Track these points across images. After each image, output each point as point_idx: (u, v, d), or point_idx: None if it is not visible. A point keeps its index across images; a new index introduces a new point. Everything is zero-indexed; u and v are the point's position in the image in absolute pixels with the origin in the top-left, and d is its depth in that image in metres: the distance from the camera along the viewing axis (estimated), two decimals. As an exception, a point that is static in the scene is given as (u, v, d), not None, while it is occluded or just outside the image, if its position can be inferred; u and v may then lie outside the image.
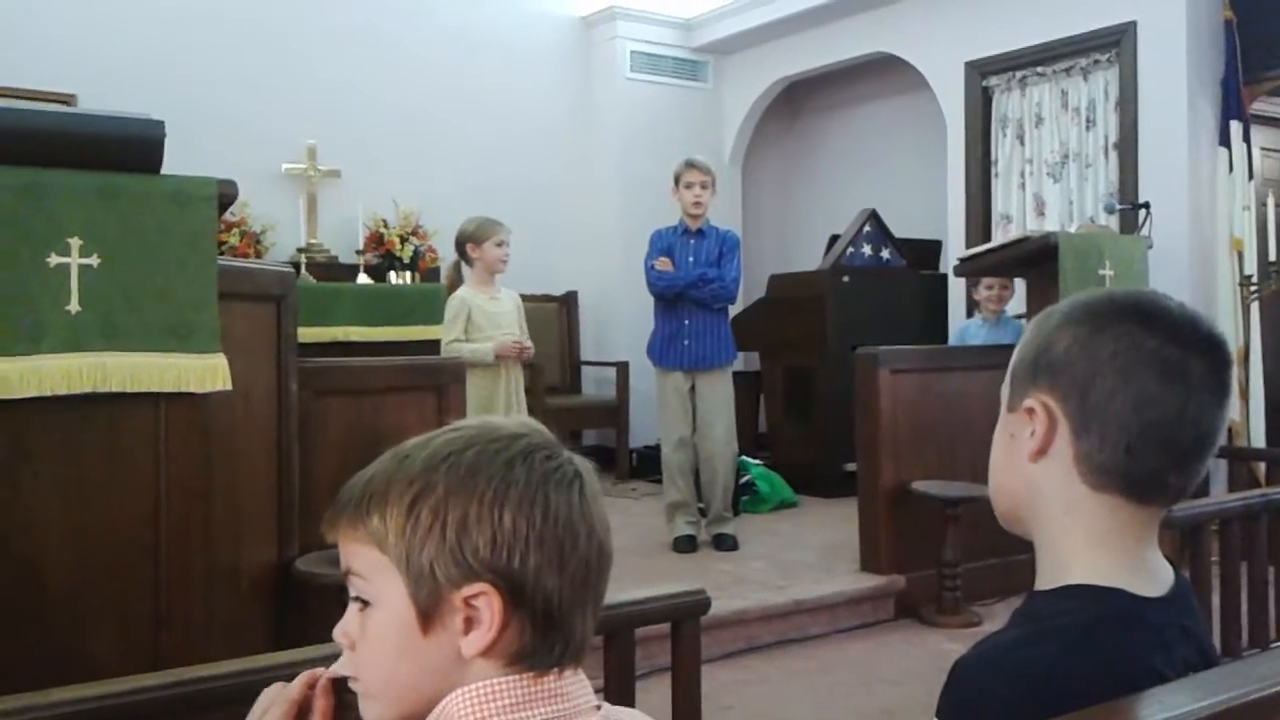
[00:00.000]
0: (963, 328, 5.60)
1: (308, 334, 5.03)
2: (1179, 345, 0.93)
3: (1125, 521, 0.97)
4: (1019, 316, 5.30)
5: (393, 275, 6.71)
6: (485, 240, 4.51)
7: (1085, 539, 0.97)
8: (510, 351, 4.45)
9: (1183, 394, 0.93)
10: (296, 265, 6.08)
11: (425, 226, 6.90)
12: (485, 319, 4.51)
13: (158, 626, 2.33)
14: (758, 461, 6.29)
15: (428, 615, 0.85)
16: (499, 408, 4.41)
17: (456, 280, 4.66)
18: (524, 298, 5.82)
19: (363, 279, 6.50)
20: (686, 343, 4.99)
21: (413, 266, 6.78)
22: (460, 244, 4.57)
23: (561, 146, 7.71)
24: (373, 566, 0.87)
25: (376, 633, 0.87)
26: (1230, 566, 3.11)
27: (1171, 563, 1.01)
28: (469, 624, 0.85)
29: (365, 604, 0.88)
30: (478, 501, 0.84)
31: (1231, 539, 3.09)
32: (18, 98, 5.61)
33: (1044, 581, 1.00)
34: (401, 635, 0.86)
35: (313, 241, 6.60)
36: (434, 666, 0.85)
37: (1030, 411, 0.99)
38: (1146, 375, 0.93)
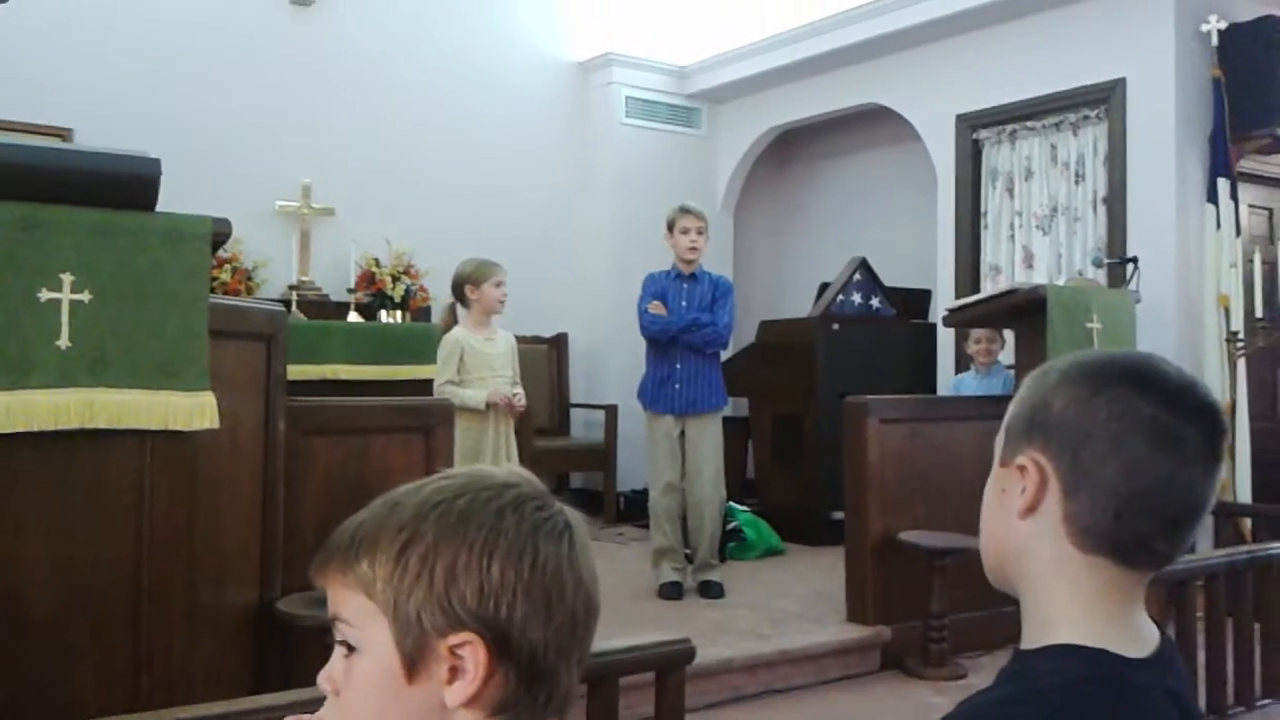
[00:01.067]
0: (956, 382, 5.62)
1: (296, 371, 5.01)
2: (1174, 413, 0.93)
3: (1112, 584, 0.97)
4: (1010, 367, 5.33)
5: (383, 314, 6.73)
6: (484, 281, 4.51)
7: (1071, 599, 0.97)
8: (502, 403, 4.43)
9: (1175, 462, 0.93)
10: (287, 302, 6.09)
11: (417, 266, 6.91)
12: (478, 360, 4.49)
13: (138, 667, 2.31)
14: (745, 508, 6.28)
15: (413, 663, 0.85)
16: (486, 455, 4.38)
17: (451, 324, 4.65)
18: (519, 340, 5.83)
19: (353, 317, 6.51)
20: (678, 387, 5.00)
21: (404, 305, 6.78)
22: (458, 286, 4.56)
23: (556, 189, 7.75)
24: (360, 613, 0.86)
25: (361, 680, 0.87)
26: (1216, 623, 3.10)
27: (1157, 623, 1.01)
28: (454, 673, 0.84)
29: (351, 650, 0.88)
30: (467, 550, 0.84)
31: (1217, 595, 3.09)
32: (14, 131, 5.63)
33: (1029, 639, 0.99)
34: (386, 683, 0.85)
35: (304, 279, 6.61)
36: (418, 715, 0.85)
37: (1022, 468, 1.00)
38: (1140, 441, 0.93)
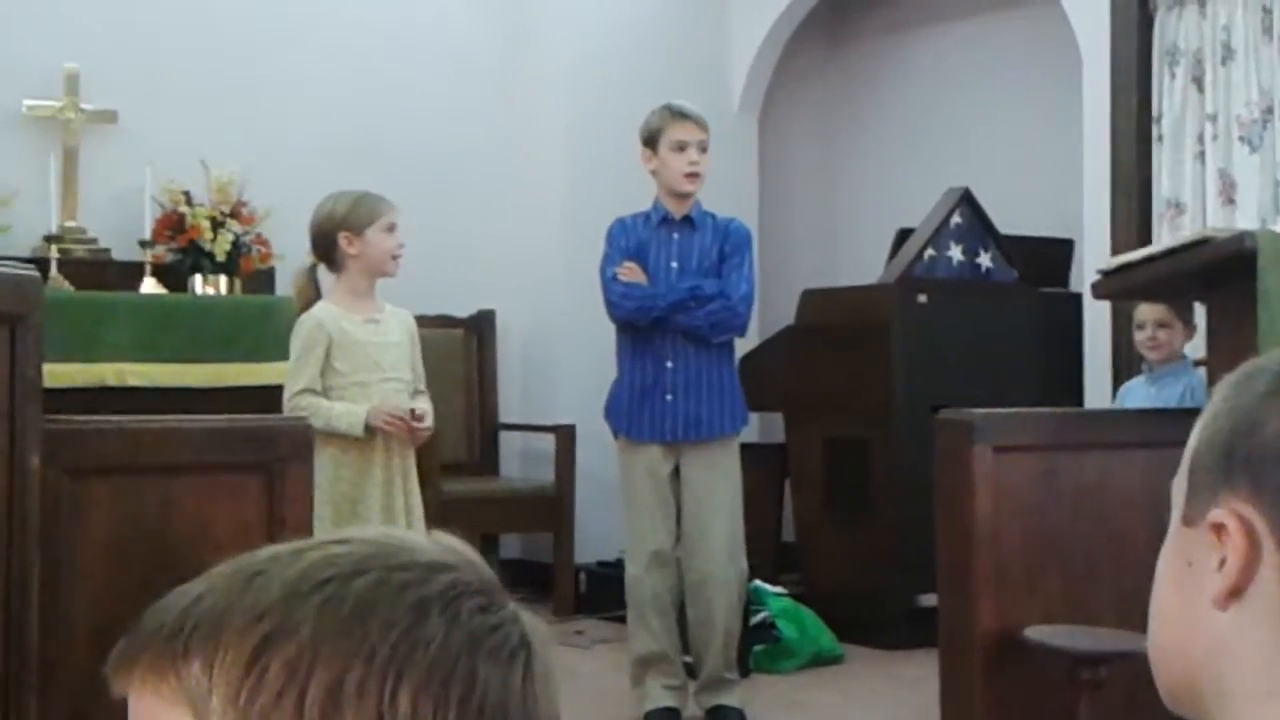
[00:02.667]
0: (1125, 390, 5.61)
1: (60, 373, 5.01)
2: None
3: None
4: (1199, 363, 5.34)
5: (198, 281, 6.69)
6: (368, 224, 4.46)
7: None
8: (393, 426, 4.39)
9: None
10: (43, 262, 6.05)
11: (252, 204, 6.88)
12: (356, 356, 4.45)
13: None
14: (780, 590, 6.29)
15: None
16: (370, 511, 4.35)
17: (312, 295, 4.61)
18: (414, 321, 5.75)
19: (150, 286, 6.48)
20: (669, 398, 5.01)
21: (230, 267, 6.75)
22: (325, 235, 4.50)
23: (475, 86, 7.73)
24: None
25: None
26: None
27: None
28: None
29: None
30: (363, 662, 0.83)
31: None
32: None
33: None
34: None
35: (70, 224, 6.57)
36: None
37: (1219, 528, 0.99)
38: None
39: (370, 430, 4.34)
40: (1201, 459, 1.02)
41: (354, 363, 4.44)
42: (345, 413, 4.32)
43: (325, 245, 4.51)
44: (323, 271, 4.62)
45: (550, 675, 0.92)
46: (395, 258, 4.51)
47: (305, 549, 0.89)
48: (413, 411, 4.42)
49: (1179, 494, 1.04)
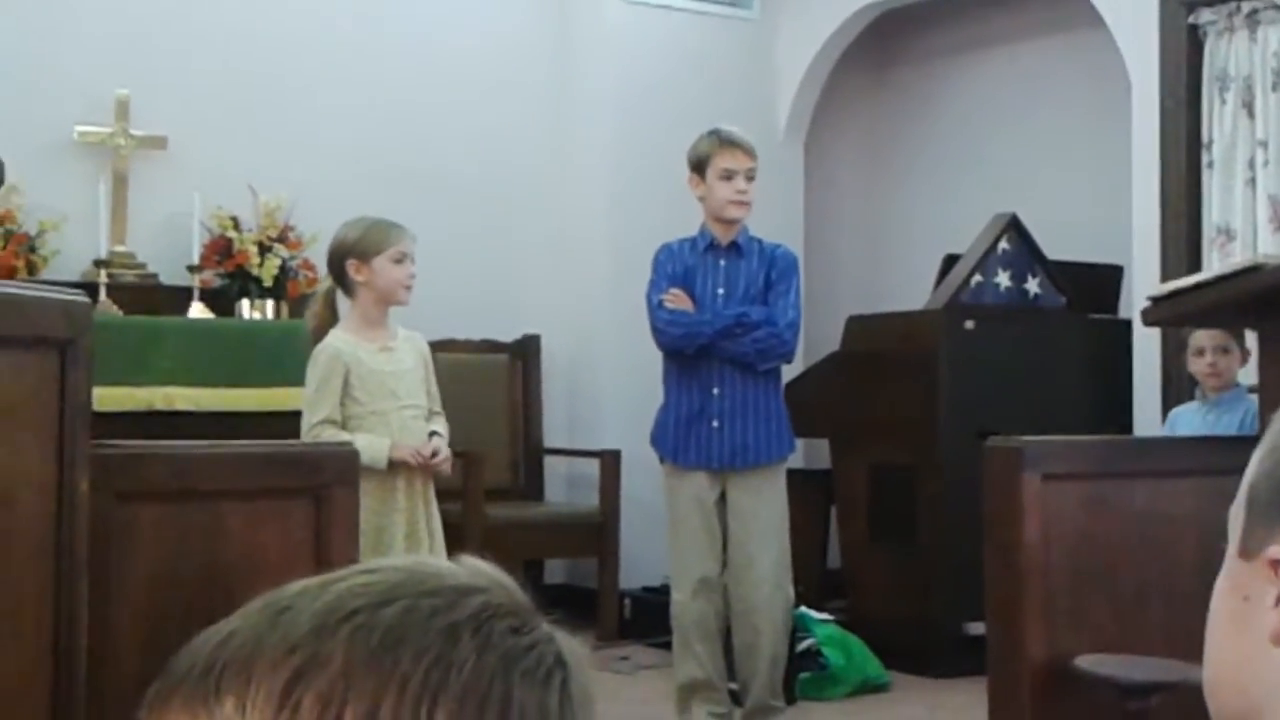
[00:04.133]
0: (1175, 416, 5.57)
1: (108, 397, 5.05)
2: None
3: None
4: (1253, 390, 5.30)
5: (246, 306, 6.72)
6: (376, 253, 4.46)
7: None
8: (414, 460, 4.41)
9: None
10: (93, 287, 6.09)
11: (299, 229, 6.92)
12: (374, 384, 4.46)
13: None
14: (826, 617, 6.27)
15: None
16: (395, 537, 4.35)
17: (329, 319, 4.62)
18: (459, 346, 5.81)
19: (198, 310, 6.51)
20: (715, 425, 5.00)
21: (277, 292, 6.78)
22: (337, 261, 4.53)
23: (521, 111, 7.75)
24: None
25: None
26: None
27: None
28: None
29: None
30: (395, 690, 0.83)
31: None
32: None
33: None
34: None
35: (119, 249, 6.61)
36: None
37: (1276, 564, 0.99)
38: None
39: (392, 464, 4.36)
40: (1259, 492, 1.01)
41: (371, 393, 4.45)
42: (367, 446, 4.28)
43: (336, 271, 4.54)
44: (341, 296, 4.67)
45: (589, 696, 0.91)
46: (406, 288, 4.50)
47: (332, 581, 0.89)
48: (432, 432, 4.49)
49: (1235, 525, 1.03)
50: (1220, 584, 1.04)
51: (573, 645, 0.90)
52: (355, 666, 0.84)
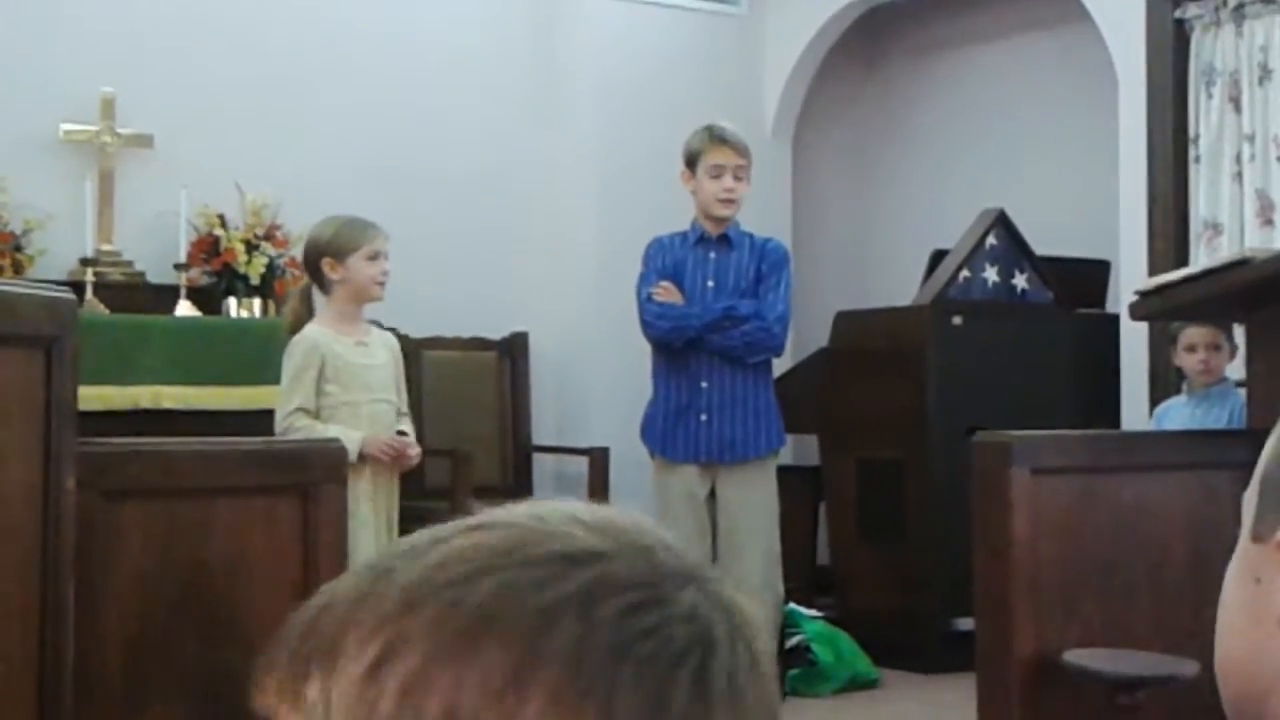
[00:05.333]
0: (1162, 411, 5.58)
1: (95, 396, 5.03)
2: None
3: None
4: (1240, 384, 5.30)
5: (233, 304, 6.70)
6: (351, 252, 4.54)
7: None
8: (384, 453, 4.46)
9: None
10: (79, 286, 6.07)
11: (286, 228, 6.90)
12: (348, 377, 4.53)
13: None
14: (815, 613, 6.29)
15: None
16: (362, 524, 4.35)
17: (305, 316, 4.69)
18: (447, 344, 5.82)
19: (185, 309, 6.49)
20: (704, 418, 5.00)
21: (264, 290, 6.77)
22: (312, 260, 4.61)
23: (507, 109, 7.74)
24: None
25: None
26: None
27: None
28: None
29: None
30: (477, 683, 0.74)
31: None
32: None
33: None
34: None
35: (106, 248, 6.59)
36: None
37: (1292, 546, 0.98)
38: None
39: (362, 458, 4.40)
40: (1272, 475, 1.01)
41: (345, 384, 4.53)
42: (341, 438, 4.31)
43: (312, 269, 4.63)
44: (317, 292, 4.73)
45: (743, 683, 0.80)
46: (380, 284, 4.60)
47: (441, 539, 0.81)
48: (400, 433, 4.57)
49: (1249, 509, 1.02)
50: (1233, 567, 1.04)
51: (730, 621, 0.81)
52: (438, 655, 0.76)
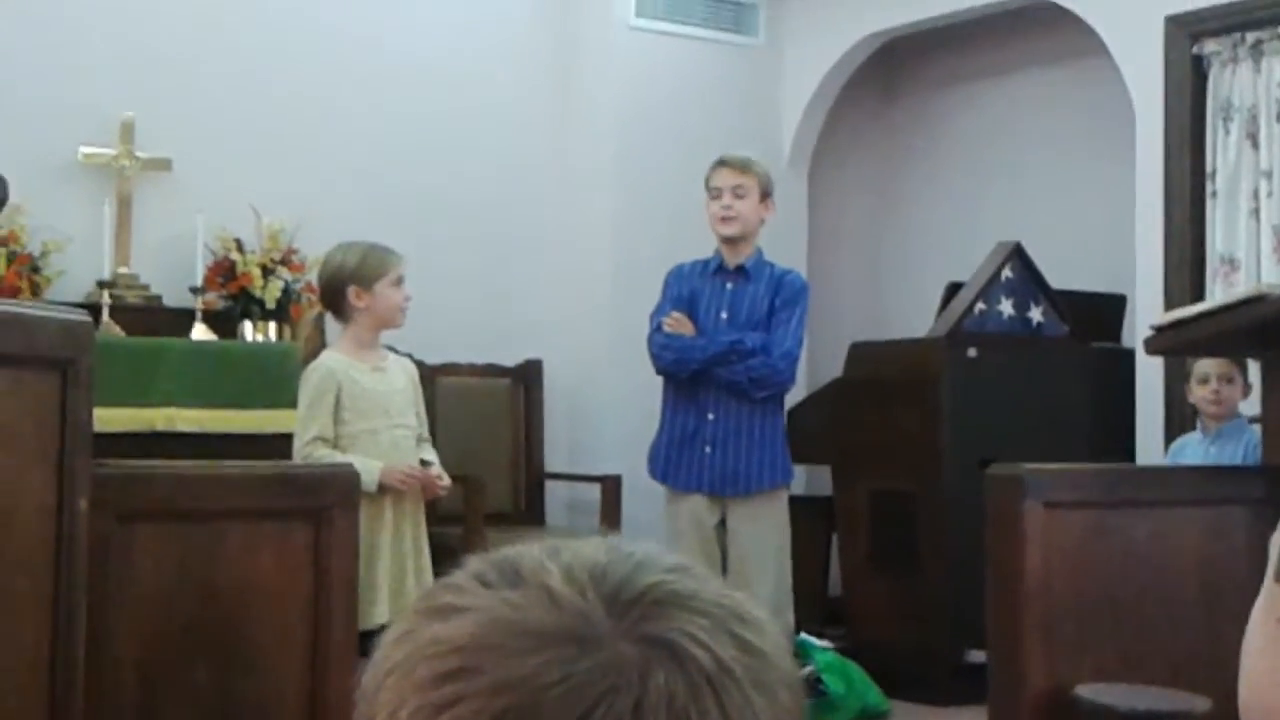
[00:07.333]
0: (1177, 447, 5.56)
1: (110, 418, 5.03)
2: None
3: None
4: (1254, 420, 5.29)
5: (249, 327, 6.72)
6: (378, 278, 4.48)
7: None
8: (409, 484, 4.43)
9: None
10: (95, 308, 6.09)
11: (302, 252, 6.92)
12: (366, 404, 4.47)
13: None
14: (826, 644, 6.25)
15: None
16: (383, 556, 4.33)
17: (319, 343, 4.66)
18: (461, 371, 5.84)
19: (201, 332, 6.51)
20: (709, 450, 5.00)
21: (280, 314, 6.78)
22: (334, 287, 4.53)
23: (523, 137, 7.76)
24: None
25: None
26: None
27: None
28: None
29: None
30: None
31: None
32: None
33: None
34: None
35: (123, 270, 6.61)
36: None
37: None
38: None
39: (382, 489, 4.36)
40: None
41: (363, 410, 4.49)
42: (359, 468, 4.28)
43: (333, 297, 4.56)
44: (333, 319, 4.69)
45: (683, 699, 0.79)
46: (402, 310, 4.57)
47: (459, 609, 0.85)
48: (424, 462, 4.53)
49: (1274, 550, 1.03)
50: (1257, 608, 1.05)
51: (677, 686, 0.79)
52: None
